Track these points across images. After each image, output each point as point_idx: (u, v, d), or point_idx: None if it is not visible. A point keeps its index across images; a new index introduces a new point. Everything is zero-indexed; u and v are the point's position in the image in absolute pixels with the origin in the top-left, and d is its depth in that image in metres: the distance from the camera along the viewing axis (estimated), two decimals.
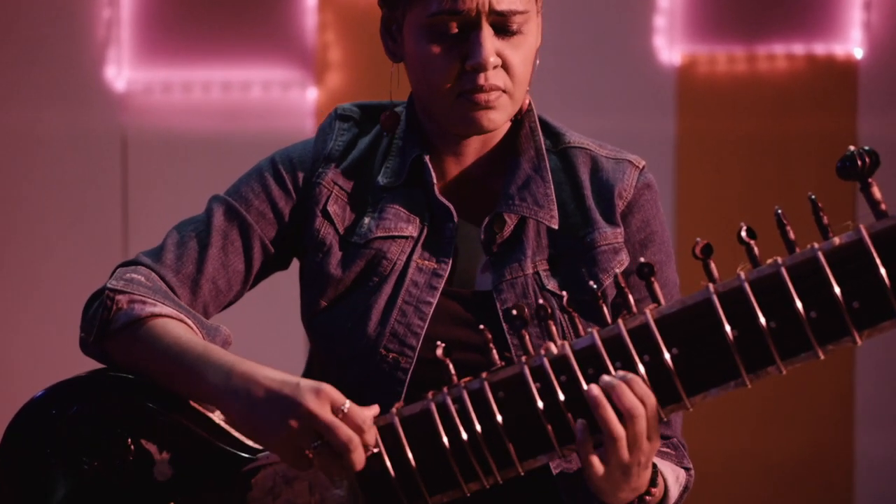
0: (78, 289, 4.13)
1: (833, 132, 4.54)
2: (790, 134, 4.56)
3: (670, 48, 4.58)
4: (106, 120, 4.50)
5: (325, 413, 1.75)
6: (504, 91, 1.93)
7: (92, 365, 1.98)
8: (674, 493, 1.90)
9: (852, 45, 4.57)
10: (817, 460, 4.61)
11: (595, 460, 1.71)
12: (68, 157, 4.50)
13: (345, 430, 1.74)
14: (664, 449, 1.99)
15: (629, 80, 4.54)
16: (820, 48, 4.59)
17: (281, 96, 4.54)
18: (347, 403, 1.75)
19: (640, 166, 2.03)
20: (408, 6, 1.94)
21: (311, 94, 4.54)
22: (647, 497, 1.80)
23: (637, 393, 1.68)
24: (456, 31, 1.91)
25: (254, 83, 4.55)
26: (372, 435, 1.76)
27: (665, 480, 1.87)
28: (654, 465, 1.82)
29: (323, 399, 1.75)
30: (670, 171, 4.51)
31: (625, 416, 1.68)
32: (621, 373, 1.69)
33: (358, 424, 1.75)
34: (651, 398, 1.69)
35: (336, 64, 4.54)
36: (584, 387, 1.69)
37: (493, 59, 1.90)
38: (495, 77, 1.91)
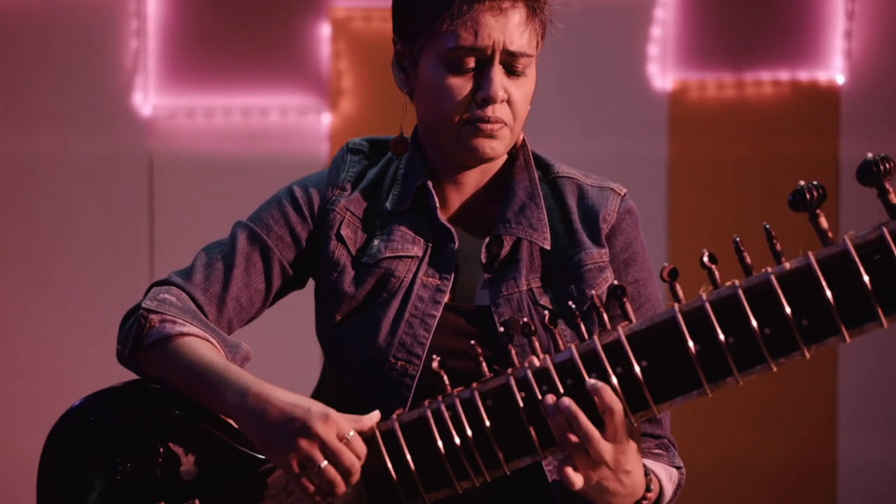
0: (108, 305, 4.26)
1: (816, 154, 4.57)
2: (776, 155, 4.58)
3: (663, 75, 4.60)
4: (133, 144, 4.54)
5: (331, 438, 1.84)
6: (505, 124, 2.04)
7: (120, 378, 2.08)
8: (668, 491, 1.96)
9: (834, 71, 4.61)
10: (801, 464, 4.61)
11: (570, 471, 1.76)
12: (98, 178, 4.54)
13: (349, 455, 1.83)
14: (656, 450, 2.05)
15: (624, 105, 4.56)
16: (804, 75, 4.62)
17: (297, 121, 4.57)
18: (352, 432, 1.84)
19: (622, 193, 2.13)
20: (428, 40, 2.04)
21: (326, 119, 4.59)
22: (644, 502, 1.85)
23: (605, 400, 1.74)
24: (471, 65, 2.01)
25: (272, 109, 4.58)
26: None
27: (660, 481, 1.93)
28: (647, 472, 1.87)
29: (330, 425, 1.84)
30: (663, 192, 4.48)
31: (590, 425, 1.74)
32: (591, 381, 1.75)
33: (358, 453, 1.84)
34: (618, 404, 1.74)
35: (349, 90, 4.57)
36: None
37: (501, 94, 2.01)
38: (501, 110, 2.02)
